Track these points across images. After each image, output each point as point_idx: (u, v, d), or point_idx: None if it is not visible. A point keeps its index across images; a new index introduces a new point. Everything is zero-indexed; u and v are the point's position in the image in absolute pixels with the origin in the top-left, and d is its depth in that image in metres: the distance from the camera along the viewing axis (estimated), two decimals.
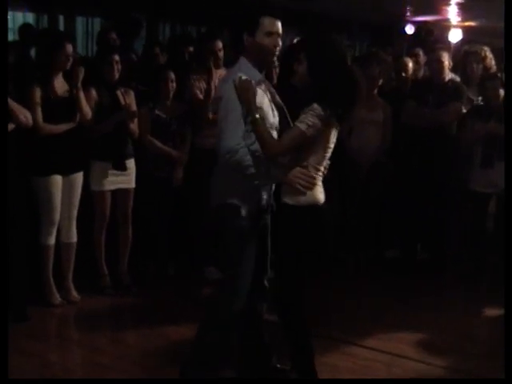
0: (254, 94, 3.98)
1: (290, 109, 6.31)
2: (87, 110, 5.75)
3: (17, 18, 9.84)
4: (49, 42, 5.72)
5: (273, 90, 4.28)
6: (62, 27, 9.37)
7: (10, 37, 9.68)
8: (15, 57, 6.44)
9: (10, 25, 10.78)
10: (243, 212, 4.05)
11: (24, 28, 8.18)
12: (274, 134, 4.12)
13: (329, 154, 4.13)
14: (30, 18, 9.57)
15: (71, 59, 5.63)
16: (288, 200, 4.08)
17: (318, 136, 3.99)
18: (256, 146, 4.00)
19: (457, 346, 5.25)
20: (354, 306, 5.99)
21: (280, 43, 4.13)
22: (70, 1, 9.09)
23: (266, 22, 4.05)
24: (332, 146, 4.12)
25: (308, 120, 3.93)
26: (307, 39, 4.08)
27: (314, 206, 4.10)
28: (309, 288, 4.35)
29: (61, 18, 9.53)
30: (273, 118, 4.17)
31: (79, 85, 5.65)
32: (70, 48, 5.61)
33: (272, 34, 4.06)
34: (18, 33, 8.03)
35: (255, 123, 3.94)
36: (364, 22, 13.17)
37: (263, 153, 3.99)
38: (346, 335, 5.30)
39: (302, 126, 3.93)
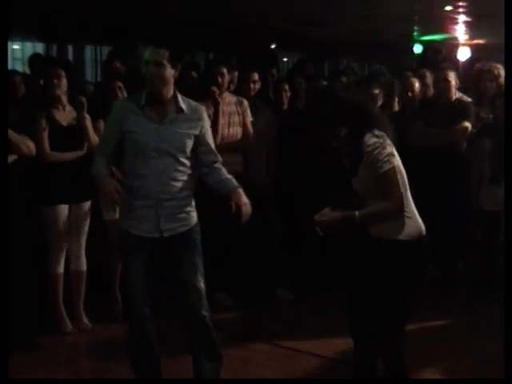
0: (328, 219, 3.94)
1: (297, 131, 6.37)
2: (95, 139, 5.68)
3: (26, 48, 9.97)
4: (43, 68, 5.78)
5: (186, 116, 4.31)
6: (71, 56, 9.47)
7: (20, 67, 9.82)
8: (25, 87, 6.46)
9: (19, 55, 10.94)
10: (121, 228, 4.41)
11: (34, 58, 8.25)
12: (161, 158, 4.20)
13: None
14: (39, 47, 9.69)
15: (64, 83, 5.63)
16: (381, 234, 3.87)
17: None
18: (134, 169, 4.25)
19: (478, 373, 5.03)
20: None
21: (158, 71, 4.17)
22: (79, 30, 9.19)
23: (145, 51, 4.28)
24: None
25: (382, 157, 3.80)
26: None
27: (417, 239, 3.89)
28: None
29: (70, 47, 9.65)
30: (158, 142, 4.20)
31: (85, 113, 5.67)
32: (59, 72, 5.60)
33: (148, 62, 4.20)
34: (27, 63, 8.09)
35: (360, 218, 3.85)
36: (373, 42, 13.23)
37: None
38: None
39: (386, 166, 3.80)
